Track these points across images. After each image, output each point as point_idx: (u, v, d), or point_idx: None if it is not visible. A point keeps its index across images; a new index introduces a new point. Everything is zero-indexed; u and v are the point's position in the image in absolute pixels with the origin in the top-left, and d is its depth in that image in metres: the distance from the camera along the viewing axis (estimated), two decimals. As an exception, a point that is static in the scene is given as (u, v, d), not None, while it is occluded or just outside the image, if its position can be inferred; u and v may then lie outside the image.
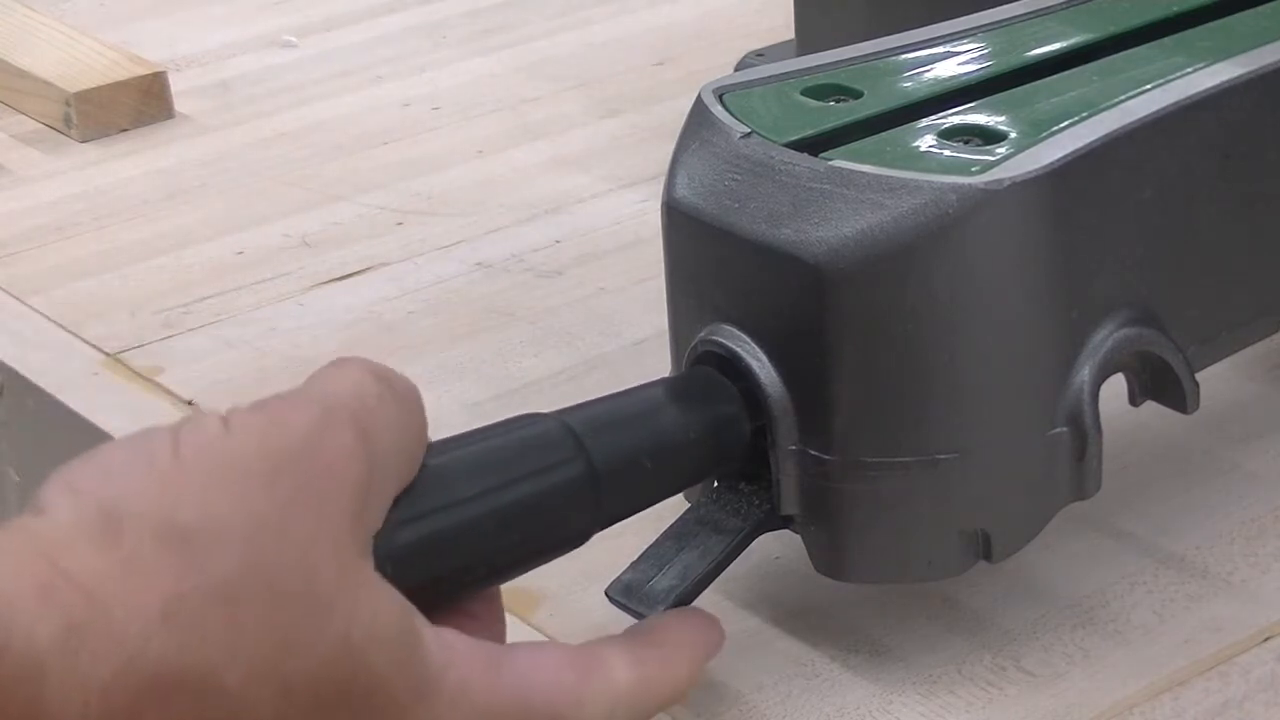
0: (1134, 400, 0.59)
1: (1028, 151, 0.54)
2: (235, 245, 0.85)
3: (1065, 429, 0.55)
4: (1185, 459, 0.66)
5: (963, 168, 0.54)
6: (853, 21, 0.89)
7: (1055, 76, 0.59)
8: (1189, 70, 0.58)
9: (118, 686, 0.42)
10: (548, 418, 0.52)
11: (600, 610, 0.57)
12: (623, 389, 0.56)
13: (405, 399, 0.49)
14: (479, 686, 0.47)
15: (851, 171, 0.53)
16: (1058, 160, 0.54)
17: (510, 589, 0.57)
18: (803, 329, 0.53)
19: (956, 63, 0.60)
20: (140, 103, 0.97)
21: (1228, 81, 0.58)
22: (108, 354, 0.77)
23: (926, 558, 0.56)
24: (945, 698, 0.56)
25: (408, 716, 0.46)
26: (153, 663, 0.42)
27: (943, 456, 0.54)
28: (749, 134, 0.56)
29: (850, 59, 0.61)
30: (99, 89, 0.97)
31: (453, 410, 0.71)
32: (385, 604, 0.46)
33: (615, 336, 0.76)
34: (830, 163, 0.54)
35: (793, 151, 0.55)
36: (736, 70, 0.95)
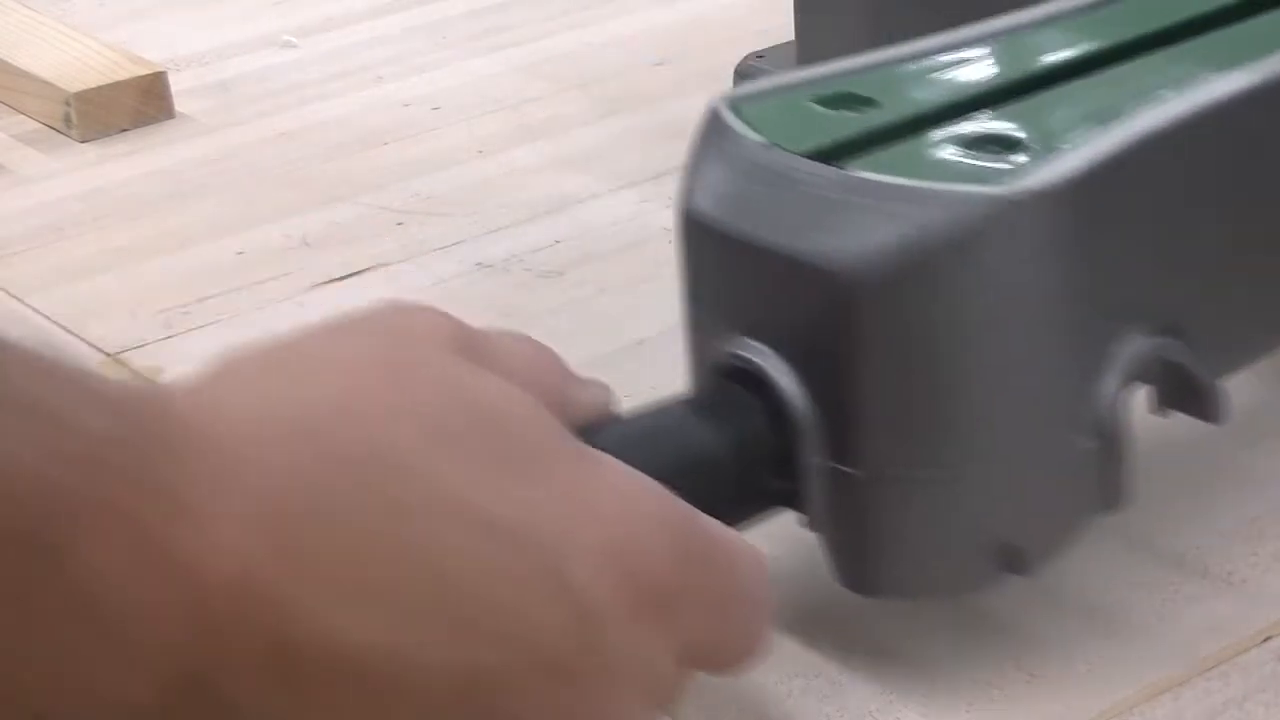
0: (1157, 411, 0.59)
1: (1050, 161, 0.54)
2: (235, 245, 0.85)
3: (1092, 441, 0.55)
4: (1185, 459, 0.66)
5: (986, 177, 0.53)
6: (853, 22, 0.89)
7: (1070, 84, 0.59)
8: (1204, 78, 0.58)
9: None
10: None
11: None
12: (645, 406, 0.54)
13: None
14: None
15: (874, 181, 0.53)
16: (1080, 169, 0.53)
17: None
18: (827, 341, 0.53)
19: (970, 70, 0.60)
20: (140, 103, 0.97)
21: (1244, 88, 0.57)
22: (108, 354, 0.77)
23: (955, 572, 0.55)
24: (945, 698, 0.56)
25: (561, 459, 0.44)
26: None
27: (970, 469, 0.53)
28: (768, 144, 0.55)
29: (863, 67, 0.60)
30: (99, 89, 0.97)
31: (453, 410, 0.71)
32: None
33: (615, 336, 0.76)
34: (853, 172, 0.53)
35: (814, 161, 0.54)
36: (737, 71, 0.96)
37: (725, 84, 0.96)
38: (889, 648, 0.58)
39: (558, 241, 0.84)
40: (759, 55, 0.96)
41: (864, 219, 0.52)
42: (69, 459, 0.36)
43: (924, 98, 0.58)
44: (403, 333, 0.45)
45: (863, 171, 0.53)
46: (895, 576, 0.55)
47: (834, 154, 0.55)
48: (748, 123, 0.56)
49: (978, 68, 0.60)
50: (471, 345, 0.46)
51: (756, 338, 0.54)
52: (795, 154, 0.54)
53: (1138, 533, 0.62)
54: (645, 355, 0.74)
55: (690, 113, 0.95)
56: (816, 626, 0.59)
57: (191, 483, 0.38)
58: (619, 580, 0.43)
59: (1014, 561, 0.55)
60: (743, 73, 0.95)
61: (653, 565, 0.44)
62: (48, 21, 1.05)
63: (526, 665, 0.41)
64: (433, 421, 0.42)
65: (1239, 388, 0.68)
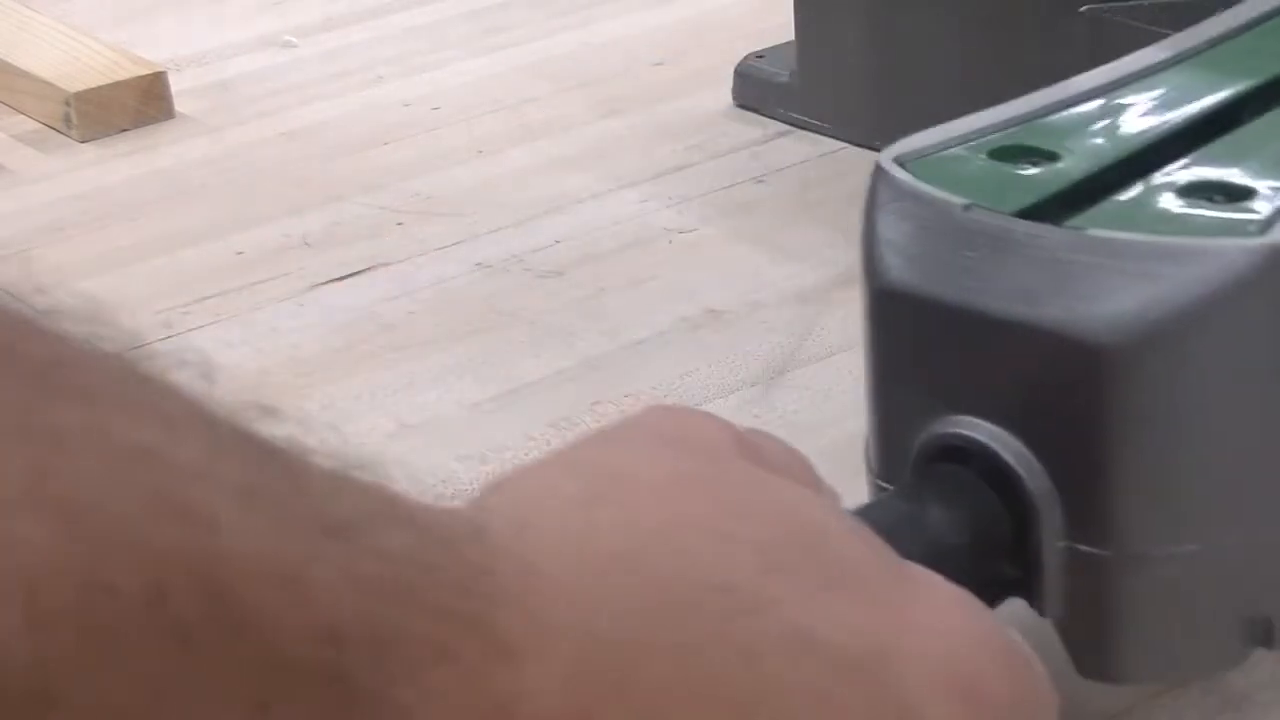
0: None
1: None
2: (235, 245, 0.85)
3: None
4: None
5: (1229, 229, 0.50)
6: (853, 22, 0.89)
7: (1262, 120, 0.56)
8: None
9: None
10: None
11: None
12: (869, 500, 0.51)
13: None
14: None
15: (1114, 240, 0.49)
16: None
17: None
18: (1071, 414, 0.49)
19: (1138, 112, 0.57)
20: (140, 103, 0.97)
21: None
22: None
23: (1206, 651, 0.52)
24: (945, 698, 0.56)
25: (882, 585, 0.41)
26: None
27: (1223, 542, 0.50)
28: (968, 205, 0.51)
29: (1023, 115, 0.57)
30: (99, 89, 0.97)
31: (453, 410, 0.71)
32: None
33: (615, 336, 0.76)
34: (1085, 231, 0.50)
35: (1032, 222, 0.50)
36: (737, 71, 0.96)
37: (725, 84, 0.96)
38: (889, 648, 0.58)
39: (558, 241, 0.84)
40: (759, 55, 0.96)
41: (1112, 281, 0.48)
42: (377, 585, 0.31)
43: (1107, 146, 0.55)
44: (693, 442, 0.42)
45: (1091, 229, 0.50)
46: (1141, 661, 0.52)
47: (1041, 212, 0.51)
48: (929, 183, 0.52)
49: (1144, 109, 0.57)
50: (750, 448, 0.43)
51: (976, 414, 0.50)
52: (1006, 214, 0.51)
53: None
54: (645, 355, 0.74)
55: (690, 113, 0.96)
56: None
57: (517, 621, 0.33)
58: (960, 704, 0.40)
59: (1265, 634, 0.52)
60: (743, 72, 0.96)
61: (989, 685, 0.41)
62: (48, 21, 1.05)
63: None
64: (763, 544, 0.39)
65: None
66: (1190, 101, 0.57)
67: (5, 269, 0.84)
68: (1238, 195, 0.51)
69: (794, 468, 0.44)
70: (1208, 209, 0.51)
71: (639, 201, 0.86)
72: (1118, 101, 0.58)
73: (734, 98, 0.95)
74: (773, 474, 0.42)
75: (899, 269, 0.51)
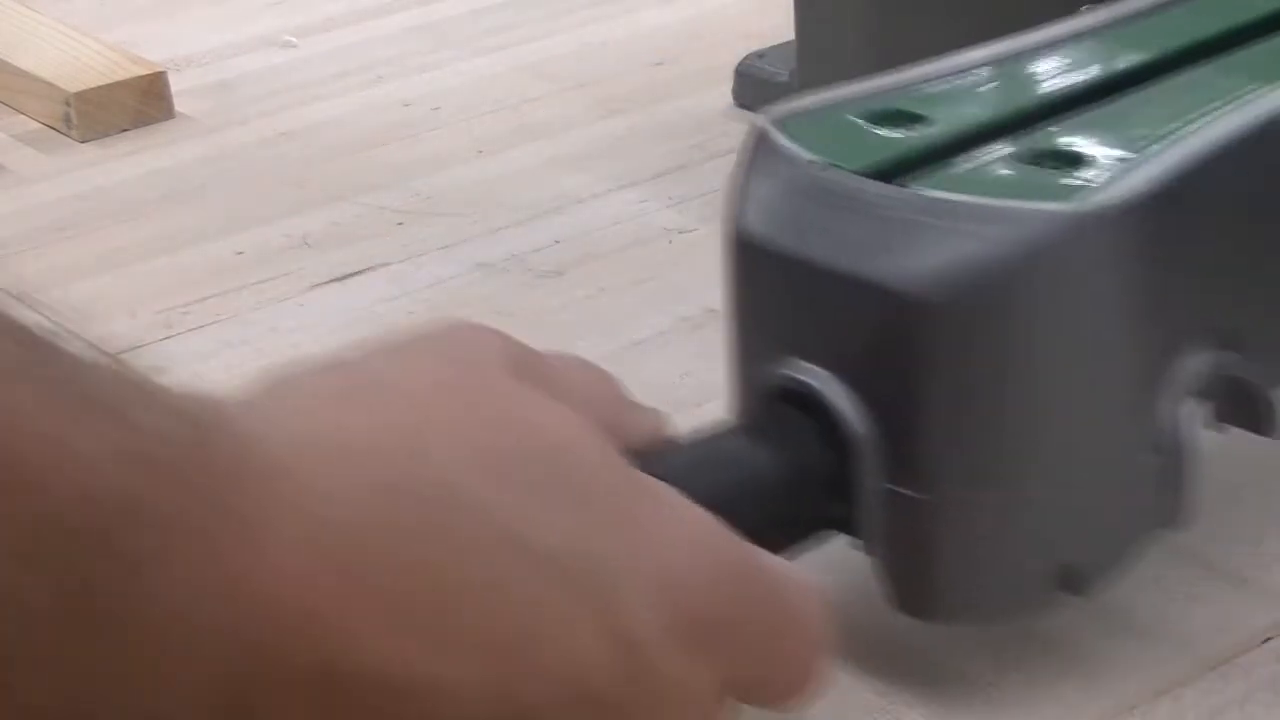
0: (1215, 426, 0.58)
1: (1116, 177, 0.53)
2: (235, 245, 0.85)
3: (1155, 457, 0.54)
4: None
5: (1053, 194, 0.52)
6: (853, 22, 0.89)
7: (1123, 98, 0.58)
8: (1258, 90, 0.57)
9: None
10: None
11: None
12: (697, 431, 0.53)
13: None
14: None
15: (939, 199, 0.52)
16: (1147, 186, 0.53)
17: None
18: (892, 363, 0.52)
19: (1018, 85, 0.59)
20: (140, 103, 0.97)
21: None
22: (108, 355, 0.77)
23: (1015, 594, 0.54)
24: (945, 698, 0.56)
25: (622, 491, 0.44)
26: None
27: (1033, 490, 0.53)
28: (821, 163, 0.54)
29: (907, 82, 0.59)
30: (99, 89, 0.97)
31: (453, 410, 0.71)
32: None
33: (615, 336, 0.76)
34: (919, 192, 0.53)
35: (875, 181, 0.53)
36: (737, 71, 0.96)
37: (725, 84, 0.96)
38: (889, 648, 0.58)
39: (558, 241, 0.84)
40: (759, 55, 0.96)
41: (933, 238, 0.51)
42: (131, 457, 0.35)
43: (976, 113, 0.57)
44: (464, 356, 0.44)
45: (927, 190, 0.53)
46: (953, 601, 0.54)
47: (892, 172, 0.54)
48: (797, 141, 0.55)
49: (1024, 82, 0.59)
50: (529, 367, 0.46)
51: (811, 360, 0.53)
52: (854, 173, 0.54)
53: (1138, 533, 0.62)
54: (645, 355, 0.74)
55: (690, 113, 0.96)
56: (816, 626, 0.59)
57: (256, 503, 0.37)
58: (668, 613, 0.43)
59: (1073, 582, 0.54)
60: (743, 72, 0.96)
61: (702, 598, 0.44)
62: (48, 21, 1.05)
63: (572, 699, 0.41)
64: (493, 454, 0.42)
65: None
66: (1073, 74, 0.60)
67: (5, 269, 0.84)
68: (1075, 163, 0.54)
69: (588, 388, 0.48)
70: (1042, 175, 0.54)
71: (639, 201, 0.86)
72: (1003, 72, 0.60)
73: (734, 98, 0.95)
74: (535, 392, 0.44)
75: (754, 221, 0.54)
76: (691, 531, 0.45)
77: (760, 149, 0.56)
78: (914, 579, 0.54)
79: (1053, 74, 0.60)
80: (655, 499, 0.45)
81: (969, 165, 0.55)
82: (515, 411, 0.44)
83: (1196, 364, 0.55)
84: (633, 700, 0.42)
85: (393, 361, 0.44)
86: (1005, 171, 0.54)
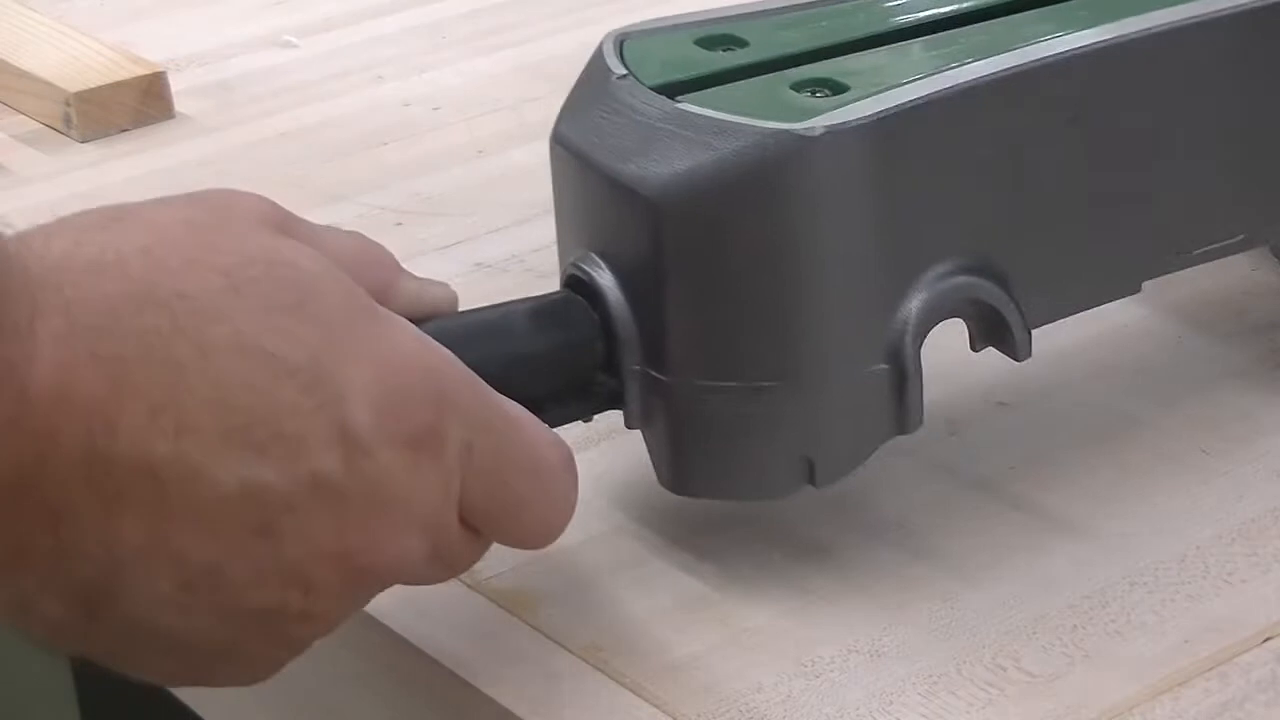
0: (973, 345, 0.62)
1: (856, 104, 0.57)
2: (235, 245, 0.85)
3: (886, 365, 0.59)
4: (1185, 459, 0.66)
5: (792, 115, 0.57)
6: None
7: (925, 38, 0.62)
8: (1048, 36, 0.61)
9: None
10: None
11: (600, 610, 0.57)
12: (492, 304, 0.60)
13: None
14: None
15: (691, 114, 0.57)
16: (878, 113, 0.57)
17: (510, 589, 0.57)
18: (643, 259, 0.58)
19: (843, 22, 0.63)
20: (140, 103, 0.97)
21: (1078, 48, 0.60)
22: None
23: (755, 478, 0.59)
24: (945, 698, 0.56)
25: (358, 326, 0.51)
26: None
27: (768, 384, 0.58)
28: (624, 75, 0.60)
29: (751, 13, 0.64)
30: (99, 89, 0.97)
31: (453, 410, 0.70)
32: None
33: (615, 336, 0.76)
34: (676, 105, 0.58)
35: (651, 93, 0.59)
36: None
37: (725, 84, 0.96)
38: (889, 648, 0.58)
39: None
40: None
41: (678, 148, 0.57)
42: None
43: (789, 42, 0.62)
44: (217, 205, 0.51)
45: (686, 105, 0.58)
46: (702, 478, 0.60)
47: (681, 89, 0.59)
48: (624, 57, 0.61)
49: (849, 21, 0.63)
50: (290, 227, 0.52)
51: (596, 251, 0.59)
52: (644, 86, 0.59)
53: (1137, 533, 0.62)
54: (645, 355, 0.74)
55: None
56: (816, 627, 0.59)
57: (12, 302, 0.44)
58: (388, 415, 0.49)
59: (807, 474, 0.59)
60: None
61: (423, 408, 0.50)
62: (48, 21, 1.04)
63: (304, 483, 0.48)
64: (232, 269, 0.48)
65: (1239, 389, 0.68)
66: (898, 17, 0.64)
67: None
68: (837, 91, 0.59)
69: (355, 254, 0.56)
70: (799, 100, 0.59)
71: (639, 201, 0.86)
72: (838, 9, 0.64)
73: (734, 98, 0.95)
74: (284, 237, 0.51)
75: (564, 123, 0.61)
76: (419, 354, 0.51)
77: (592, 62, 0.62)
78: (667, 454, 0.60)
79: (877, 16, 0.64)
80: (389, 324, 0.51)
81: (746, 87, 0.60)
82: (252, 244, 0.50)
83: (941, 285, 0.59)
84: (358, 490, 0.49)
85: (151, 204, 0.51)
86: (771, 94, 0.59)
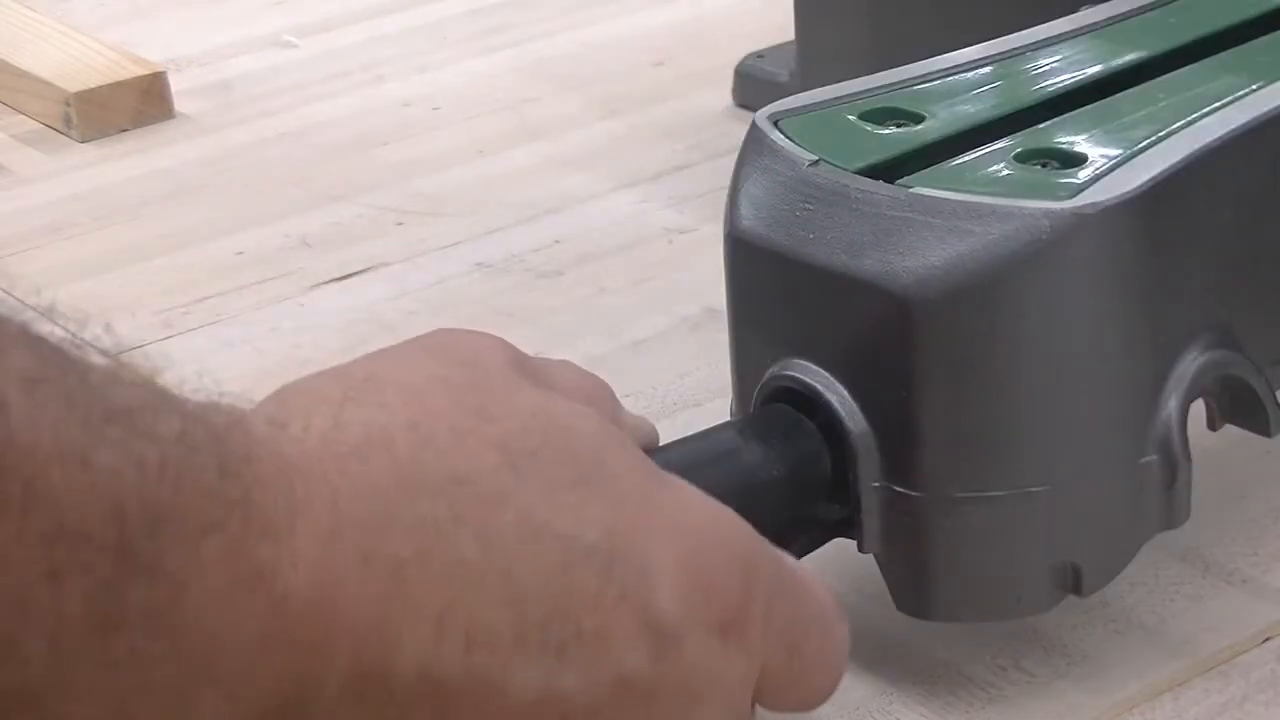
0: (1213, 425, 0.58)
1: (1114, 175, 0.53)
2: (235, 245, 0.85)
3: (1155, 457, 0.54)
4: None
5: (1049, 192, 0.52)
6: (853, 22, 0.89)
7: (1120, 96, 0.58)
8: (1255, 87, 0.57)
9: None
10: None
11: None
12: (697, 431, 0.54)
13: None
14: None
15: (935, 198, 0.52)
16: (1144, 183, 0.52)
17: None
18: (887, 361, 0.52)
19: (1015, 83, 0.59)
20: (140, 103, 0.97)
21: None
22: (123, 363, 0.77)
23: (1015, 594, 0.54)
24: (945, 698, 0.56)
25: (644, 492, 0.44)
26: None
27: (1034, 489, 0.52)
28: (817, 161, 0.54)
29: (904, 81, 0.59)
30: (99, 89, 0.97)
31: (453, 410, 0.70)
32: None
33: (615, 336, 0.76)
34: (911, 190, 0.53)
35: (868, 179, 0.53)
36: (737, 71, 0.96)
37: (725, 84, 0.96)
38: (889, 647, 0.58)
39: (558, 241, 0.84)
40: (759, 55, 0.96)
41: (926, 237, 0.51)
42: (152, 466, 0.35)
43: (971, 112, 0.57)
44: (459, 355, 0.45)
45: (923, 188, 0.52)
46: (950, 600, 0.55)
47: (886, 171, 0.54)
48: (792, 139, 0.56)
49: (1020, 81, 0.59)
50: (527, 368, 0.46)
51: (808, 359, 0.53)
52: (847, 171, 0.54)
53: (1138, 533, 0.62)
54: (645, 355, 0.74)
55: (690, 113, 0.95)
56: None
57: (269, 496, 0.37)
58: (696, 598, 0.43)
59: (1074, 581, 0.54)
60: (743, 73, 0.96)
61: (728, 585, 0.44)
62: (48, 21, 1.05)
63: (608, 685, 0.42)
64: (508, 442, 0.42)
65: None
66: (1071, 72, 0.60)
67: (5, 269, 0.84)
68: (1070, 162, 0.54)
69: (585, 390, 0.48)
70: (1037, 174, 0.54)
71: (639, 201, 0.86)
72: (1001, 70, 0.60)
73: (734, 98, 0.95)
74: (538, 387, 0.44)
75: (749, 219, 0.54)
76: (713, 521, 0.45)
77: (755, 147, 0.56)
78: (911, 578, 0.54)
79: (1050, 72, 0.60)
80: (677, 489, 0.45)
81: (964, 163, 0.55)
82: (518, 402, 0.43)
83: (1198, 363, 0.55)
84: (667, 686, 0.43)
85: (384, 362, 0.44)
86: (1000, 170, 0.54)
